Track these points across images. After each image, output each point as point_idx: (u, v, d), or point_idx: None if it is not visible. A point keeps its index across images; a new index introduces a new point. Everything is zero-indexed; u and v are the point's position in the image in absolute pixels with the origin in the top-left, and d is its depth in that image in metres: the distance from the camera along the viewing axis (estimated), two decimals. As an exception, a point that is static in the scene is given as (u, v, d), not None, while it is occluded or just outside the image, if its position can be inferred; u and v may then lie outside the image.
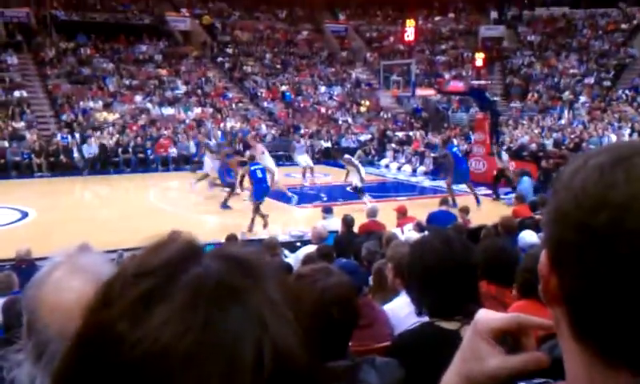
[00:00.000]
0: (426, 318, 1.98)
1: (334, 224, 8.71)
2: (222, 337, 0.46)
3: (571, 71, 27.77)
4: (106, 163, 19.80)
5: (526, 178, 12.07)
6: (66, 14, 27.79)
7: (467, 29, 33.45)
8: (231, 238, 7.46)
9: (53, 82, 23.60)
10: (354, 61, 31.10)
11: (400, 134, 23.66)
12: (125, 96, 24.08)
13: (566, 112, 24.31)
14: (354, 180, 13.66)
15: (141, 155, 20.35)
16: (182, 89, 25.45)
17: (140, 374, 0.45)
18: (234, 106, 25.49)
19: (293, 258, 6.50)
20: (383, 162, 21.40)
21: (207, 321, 0.46)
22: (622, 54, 27.70)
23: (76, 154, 19.91)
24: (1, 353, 1.13)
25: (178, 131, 22.05)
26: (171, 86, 25.47)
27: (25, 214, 12.93)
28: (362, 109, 26.96)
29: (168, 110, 23.94)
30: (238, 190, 14.02)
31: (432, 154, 19.89)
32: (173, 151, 20.68)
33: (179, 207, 13.75)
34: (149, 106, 23.82)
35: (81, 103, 22.74)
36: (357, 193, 13.31)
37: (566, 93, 26.12)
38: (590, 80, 26.57)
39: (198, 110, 24.31)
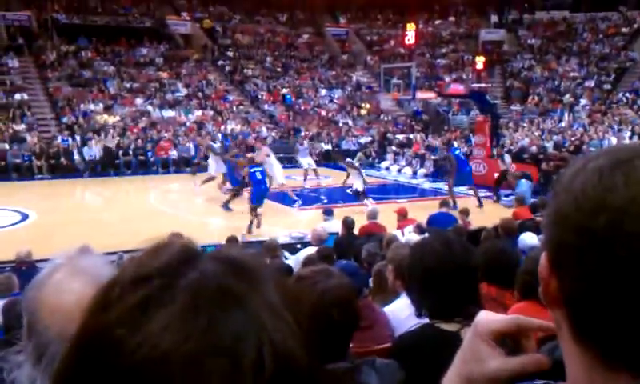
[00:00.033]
0: (426, 320, 1.98)
1: (335, 226, 8.71)
2: (222, 341, 0.46)
3: (571, 74, 27.80)
4: (106, 166, 19.83)
5: (523, 181, 12.08)
6: (67, 17, 27.86)
7: (468, 32, 33.50)
8: (231, 240, 7.46)
9: (54, 85, 23.63)
10: (354, 64, 31.14)
11: (400, 137, 23.68)
12: (125, 99, 24.11)
13: (566, 115, 24.33)
14: (356, 184, 13.66)
15: (141, 157, 20.37)
16: (183, 91, 25.49)
17: (140, 379, 0.45)
18: (234, 108, 25.52)
19: (293, 260, 6.49)
20: (384, 164, 21.42)
21: (207, 325, 0.46)
22: (622, 58, 27.73)
23: (76, 157, 19.93)
24: (1, 354, 1.13)
25: (179, 134, 22.07)
26: (172, 88, 25.50)
27: (25, 216, 12.94)
28: (363, 111, 26.99)
29: (169, 113, 23.97)
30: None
31: (432, 157, 19.91)
32: (173, 154, 20.69)
33: (179, 209, 13.75)
34: (149, 108, 23.85)
35: (81, 106, 22.77)
36: (357, 196, 13.32)
37: (567, 96, 26.14)
38: (591, 83, 26.60)
39: (198, 113, 24.34)
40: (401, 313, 2.81)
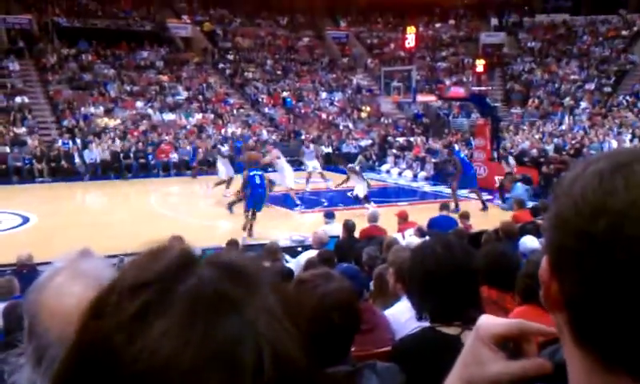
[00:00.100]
0: (426, 323, 1.98)
1: (336, 229, 8.70)
2: (222, 347, 0.46)
3: (572, 77, 27.82)
4: (107, 169, 19.85)
5: (519, 185, 12.10)
6: (67, 20, 27.92)
7: (468, 35, 33.54)
8: (232, 243, 7.46)
9: (54, 88, 23.67)
10: (354, 67, 31.18)
11: (401, 140, 23.70)
12: (126, 102, 24.14)
13: (566, 118, 24.34)
14: (357, 189, 13.65)
15: (142, 161, 20.38)
16: (183, 95, 25.52)
17: None
18: (235, 111, 25.54)
19: (294, 263, 6.49)
20: (384, 167, 21.42)
21: (205, 332, 0.46)
22: (622, 61, 27.75)
23: (77, 160, 19.95)
24: (2, 357, 1.13)
25: (179, 137, 22.09)
26: (172, 91, 25.53)
27: (26, 219, 12.94)
28: (363, 114, 27.01)
29: (169, 116, 24.00)
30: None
31: (433, 160, 19.92)
32: (174, 156, 20.71)
33: (180, 212, 13.75)
34: (150, 111, 23.88)
35: (82, 109, 22.80)
36: (357, 201, 13.31)
37: (567, 99, 26.16)
38: (591, 86, 26.62)
39: (199, 116, 24.36)
40: (401, 316, 2.81)
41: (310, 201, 14.86)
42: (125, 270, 0.53)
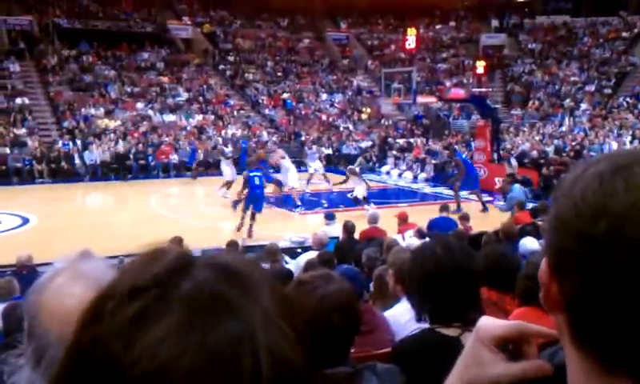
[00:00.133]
0: (426, 325, 1.98)
1: (336, 230, 8.69)
2: (219, 350, 0.46)
3: (572, 79, 27.83)
4: (107, 170, 19.86)
5: (517, 186, 12.11)
6: (68, 21, 27.94)
7: (468, 37, 33.56)
8: (232, 245, 7.46)
9: (55, 89, 23.68)
10: (355, 68, 31.19)
11: (401, 141, 23.71)
12: (126, 103, 24.16)
13: (566, 119, 24.35)
14: (357, 190, 13.66)
15: (142, 162, 20.39)
16: (184, 96, 25.53)
17: None
18: (235, 113, 25.56)
19: (294, 265, 6.49)
20: (384, 168, 21.42)
21: (203, 336, 0.46)
22: (622, 62, 27.77)
23: (77, 161, 19.96)
24: (1, 357, 1.13)
25: (180, 138, 22.10)
26: (173, 93, 25.55)
27: (26, 220, 12.95)
28: (363, 116, 27.02)
29: (169, 117, 24.02)
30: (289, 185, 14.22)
31: (433, 161, 19.92)
32: (174, 158, 20.72)
33: (180, 213, 13.76)
34: (150, 112, 23.89)
35: (82, 110, 22.81)
36: (356, 203, 13.32)
37: (567, 100, 26.17)
38: (591, 88, 26.63)
39: (199, 117, 24.38)
40: (401, 317, 2.81)
41: (310, 202, 14.86)
42: (121, 274, 0.52)
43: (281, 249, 7.47)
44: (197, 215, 13.63)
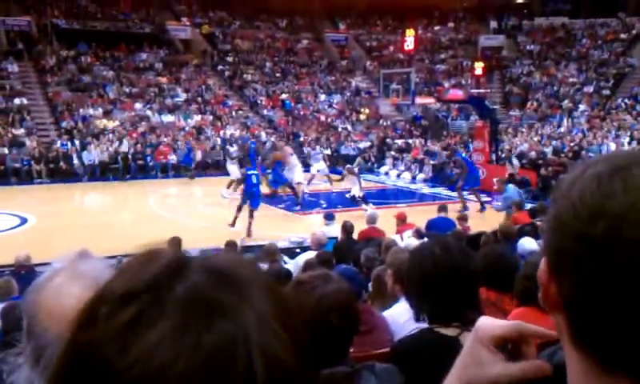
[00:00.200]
0: (425, 324, 1.98)
1: (335, 230, 8.69)
2: (214, 353, 0.46)
3: (570, 80, 27.87)
4: (105, 170, 19.85)
5: (511, 186, 12.16)
6: (66, 22, 27.91)
7: (467, 38, 33.59)
8: (230, 245, 7.46)
9: (53, 90, 23.65)
10: (353, 69, 31.20)
11: (399, 142, 23.71)
12: (125, 103, 24.13)
13: (565, 120, 24.38)
14: (354, 189, 13.68)
15: (140, 162, 20.37)
16: (182, 96, 25.51)
17: None
18: (233, 113, 25.54)
19: (292, 264, 6.49)
20: (383, 169, 21.43)
21: (198, 340, 0.46)
22: (621, 64, 27.82)
23: (76, 161, 19.93)
24: (1, 356, 1.13)
25: (178, 138, 22.09)
26: (171, 93, 25.53)
27: (24, 220, 12.93)
28: (362, 117, 27.02)
29: (168, 118, 24.00)
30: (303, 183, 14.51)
31: (431, 162, 19.94)
32: (172, 158, 20.70)
33: (178, 214, 13.75)
34: (149, 113, 23.87)
35: (81, 110, 22.79)
36: (355, 202, 13.34)
37: (566, 101, 26.21)
38: (589, 89, 26.67)
39: (197, 118, 24.36)
40: (400, 317, 2.81)
41: (309, 202, 14.86)
42: (115, 277, 0.52)
43: (280, 249, 7.47)
44: (195, 215, 13.62)
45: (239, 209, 11.80)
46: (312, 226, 10.26)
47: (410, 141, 23.72)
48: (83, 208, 16.45)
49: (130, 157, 20.32)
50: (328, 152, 22.81)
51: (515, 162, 17.73)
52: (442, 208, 10.06)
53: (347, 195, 14.21)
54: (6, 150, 19.54)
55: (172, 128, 23.14)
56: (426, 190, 17.98)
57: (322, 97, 28.11)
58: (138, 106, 24.11)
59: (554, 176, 15.88)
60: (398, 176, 20.38)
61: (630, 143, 19.55)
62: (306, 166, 18.02)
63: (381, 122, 26.66)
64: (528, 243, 5.47)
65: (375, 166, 21.99)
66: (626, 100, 24.95)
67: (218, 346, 0.47)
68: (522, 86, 28.80)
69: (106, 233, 10.76)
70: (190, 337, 0.46)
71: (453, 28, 34.77)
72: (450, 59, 31.71)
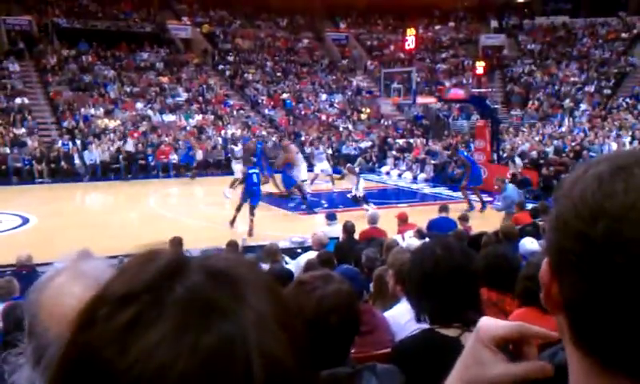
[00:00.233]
0: (426, 325, 1.98)
1: (337, 230, 8.69)
2: (213, 353, 0.47)
3: (572, 79, 27.85)
4: (106, 170, 19.87)
5: (510, 186, 12.18)
6: (67, 21, 27.93)
7: (468, 37, 33.57)
8: (231, 245, 7.46)
9: (54, 89, 23.67)
10: (354, 69, 31.19)
11: (401, 142, 23.70)
12: (126, 103, 24.15)
13: (566, 120, 24.36)
14: (354, 189, 13.68)
15: (142, 162, 20.38)
16: (183, 96, 25.52)
17: None
18: (234, 112, 25.55)
19: (294, 265, 6.49)
20: (384, 168, 21.42)
21: (196, 342, 0.47)
22: (622, 63, 27.79)
23: (77, 161, 19.95)
24: (2, 356, 1.13)
25: (179, 138, 22.10)
26: (172, 93, 25.54)
27: (26, 220, 12.94)
28: (363, 116, 27.01)
29: (169, 117, 24.01)
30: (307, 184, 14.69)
31: (433, 161, 19.93)
32: (174, 158, 20.71)
33: (180, 213, 13.75)
34: (150, 112, 23.88)
35: (82, 110, 22.80)
36: (357, 202, 13.35)
37: (567, 101, 26.18)
38: (591, 88, 26.64)
39: (198, 117, 24.37)
40: (401, 318, 2.81)
41: (311, 202, 14.86)
42: (114, 277, 0.53)
43: (281, 249, 7.48)
44: (196, 215, 13.63)
45: (238, 208, 11.83)
46: (313, 226, 10.25)
47: (411, 140, 23.71)
48: (84, 208, 16.46)
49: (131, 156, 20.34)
50: (329, 152, 22.84)
51: (518, 161, 17.73)
52: (444, 208, 10.05)
53: (348, 195, 14.22)
54: (7, 150, 19.56)
55: (173, 127, 23.15)
56: (427, 189, 17.97)
57: (323, 96, 28.11)
58: (139, 105, 24.13)
59: (555, 176, 15.88)
60: (400, 176, 20.37)
61: (631, 143, 19.52)
62: (310, 166, 18.03)
63: (382, 121, 26.65)
64: (529, 243, 5.47)
65: (376, 165, 21.98)
66: (627, 99, 24.93)
67: (216, 347, 0.47)
68: (523, 85, 28.78)
69: (107, 232, 10.77)
70: (189, 337, 0.47)
71: (454, 27, 34.75)
72: (450, 58, 31.69)
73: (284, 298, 0.55)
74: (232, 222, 11.76)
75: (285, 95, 27.23)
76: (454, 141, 22.19)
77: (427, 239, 5.61)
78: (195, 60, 28.27)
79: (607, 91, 26.17)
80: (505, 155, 18.74)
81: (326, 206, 14.37)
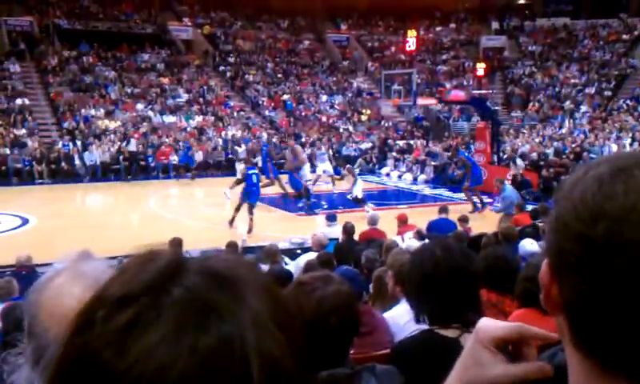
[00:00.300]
0: (425, 326, 1.98)
1: (337, 231, 8.69)
2: (211, 354, 0.47)
3: (572, 81, 27.85)
4: (107, 171, 19.87)
5: (508, 186, 12.19)
6: (68, 22, 27.95)
7: (468, 39, 33.58)
8: (231, 245, 7.46)
9: (55, 90, 23.68)
10: (355, 70, 31.21)
11: (401, 143, 23.71)
12: (126, 104, 24.16)
13: (566, 121, 24.36)
14: (355, 190, 13.68)
15: (142, 163, 20.39)
16: (184, 97, 25.54)
17: None
18: (235, 114, 25.56)
19: (293, 265, 6.49)
20: (384, 170, 21.43)
21: (195, 343, 0.47)
22: (622, 65, 27.80)
23: (77, 162, 19.96)
24: (2, 356, 1.13)
25: (180, 139, 22.11)
26: (173, 94, 25.55)
27: (25, 221, 12.94)
28: (363, 117, 27.02)
29: (169, 118, 24.02)
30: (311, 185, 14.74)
31: (433, 163, 19.93)
32: (174, 159, 20.72)
33: (180, 214, 13.76)
34: (150, 113, 23.90)
35: (82, 111, 22.82)
36: (357, 203, 13.35)
37: (567, 102, 26.19)
38: (591, 90, 26.65)
39: (199, 118, 24.38)
40: (400, 319, 2.80)
41: (311, 203, 14.85)
42: (112, 279, 0.53)
43: (280, 250, 7.47)
44: (196, 216, 13.63)
45: (238, 208, 11.86)
46: (313, 227, 10.25)
47: (412, 142, 23.71)
48: (84, 208, 16.47)
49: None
50: (330, 153, 22.84)
51: (520, 162, 17.73)
52: (443, 209, 10.05)
53: (348, 196, 14.21)
54: (7, 151, 19.57)
55: (173, 128, 23.16)
56: (427, 191, 17.97)
57: (324, 97, 28.13)
58: (139, 106, 24.14)
59: (555, 177, 15.87)
60: (400, 177, 20.37)
61: (631, 144, 19.52)
62: (312, 167, 18.02)
63: (382, 122, 26.66)
64: (529, 245, 5.47)
65: (376, 167, 21.98)
66: (628, 101, 24.93)
67: (215, 347, 0.47)
68: (523, 86, 28.79)
69: (107, 233, 10.76)
70: (189, 338, 0.47)
71: (454, 29, 34.77)
72: (451, 60, 31.70)
73: (283, 299, 0.55)
74: (231, 222, 11.80)
75: (285, 96, 27.25)
76: (455, 142, 22.19)
77: (427, 240, 5.62)
78: (196, 61, 28.29)
79: (608, 93, 26.17)
80: (505, 157, 18.73)
81: (325, 207, 14.37)
